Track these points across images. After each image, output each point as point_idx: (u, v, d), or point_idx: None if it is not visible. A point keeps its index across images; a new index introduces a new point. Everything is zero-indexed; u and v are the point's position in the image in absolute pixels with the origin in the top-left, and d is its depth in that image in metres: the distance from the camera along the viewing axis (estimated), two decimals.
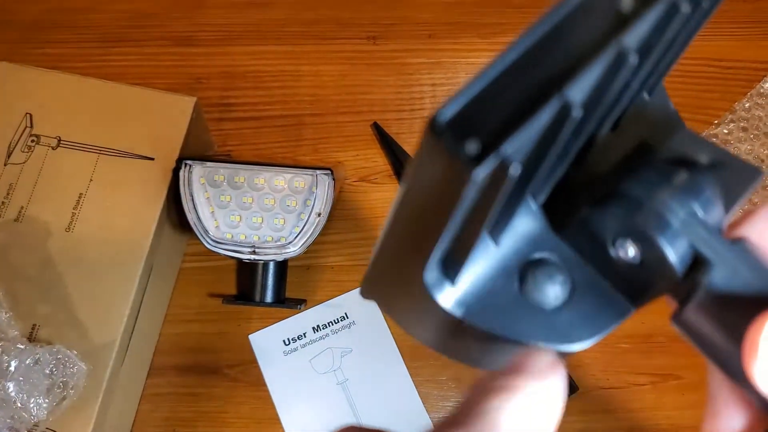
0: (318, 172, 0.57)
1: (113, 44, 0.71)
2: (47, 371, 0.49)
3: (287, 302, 0.60)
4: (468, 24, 0.72)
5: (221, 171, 0.57)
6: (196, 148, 0.61)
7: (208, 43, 0.71)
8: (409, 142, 0.67)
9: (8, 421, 0.48)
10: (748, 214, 0.19)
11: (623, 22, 0.14)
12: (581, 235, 0.20)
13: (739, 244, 0.18)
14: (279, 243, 0.58)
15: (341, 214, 0.65)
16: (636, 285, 0.19)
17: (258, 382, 0.60)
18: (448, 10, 0.73)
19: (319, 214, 0.57)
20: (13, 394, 0.48)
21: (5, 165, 0.57)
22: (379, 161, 0.67)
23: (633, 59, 0.14)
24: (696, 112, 0.68)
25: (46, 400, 0.48)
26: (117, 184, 0.56)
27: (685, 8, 0.15)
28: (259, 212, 0.58)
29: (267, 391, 0.59)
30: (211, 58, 0.70)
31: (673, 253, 0.18)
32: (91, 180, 0.56)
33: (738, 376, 0.18)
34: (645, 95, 0.22)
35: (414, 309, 0.21)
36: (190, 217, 0.57)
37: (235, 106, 0.69)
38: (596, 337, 0.19)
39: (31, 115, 0.58)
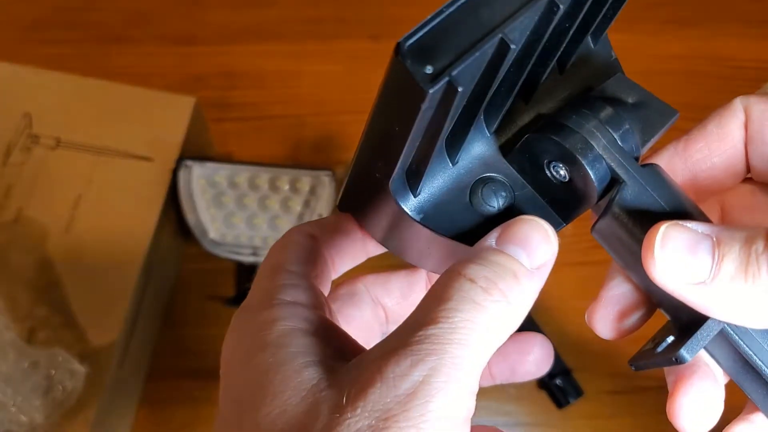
0: (320, 172, 0.57)
1: (112, 44, 0.71)
2: (45, 374, 0.49)
3: None
4: None
5: (221, 172, 0.57)
6: (196, 149, 0.61)
7: (208, 42, 0.71)
8: None
9: (6, 424, 0.47)
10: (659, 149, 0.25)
11: None
12: (524, 160, 0.24)
13: (650, 168, 0.23)
14: None
15: None
16: (566, 202, 0.24)
17: None
18: None
19: (321, 215, 0.57)
20: (10, 397, 0.47)
21: (4, 166, 0.57)
22: None
23: (560, 7, 0.18)
24: (703, 111, 0.67)
25: (44, 404, 0.48)
26: (116, 185, 0.56)
27: None
28: (259, 213, 0.57)
29: None
30: (211, 57, 0.70)
31: (594, 173, 0.22)
32: (89, 181, 0.56)
33: (642, 277, 0.22)
34: (591, 44, 0.25)
35: (381, 216, 0.25)
36: (190, 218, 0.57)
37: (235, 105, 0.68)
38: None
39: (30, 116, 0.58)
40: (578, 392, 0.57)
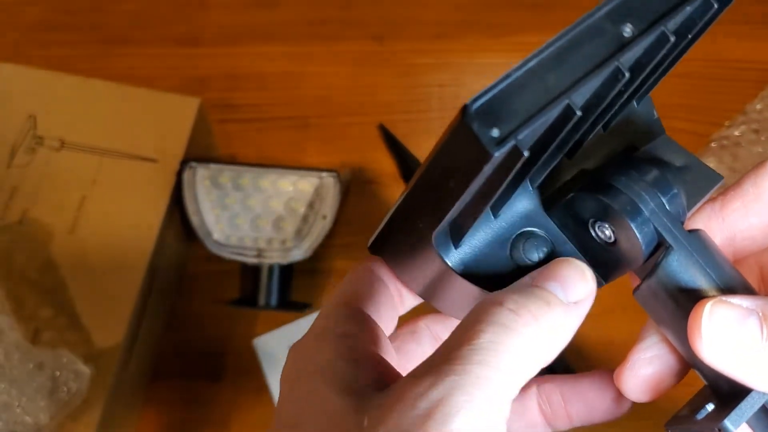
0: (324, 174, 0.57)
1: (116, 45, 0.71)
2: (50, 375, 0.49)
3: (292, 306, 0.60)
4: (475, 24, 0.72)
5: (225, 173, 0.57)
6: (200, 150, 0.61)
7: (212, 44, 0.71)
8: (416, 143, 0.66)
9: (10, 425, 0.47)
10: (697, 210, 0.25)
11: (623, 45, 0.18)
12: (567, 216, 0.24)
13: (695, 234, 0.23)
14: (284, 246, 0.57)
15: (347, 217, 0.64)
16: (608, 262, 0.24)
17: (262, 387, 0.59)
18: (455, 10, 0.72)
19: (325, 217, 0.57)
20: (15, 398, 0.47)
21: (8, 167, 0.57)
22: (386, 163, 0.66)
23: (626, 75, 0.19)
24: (707, 113, 0.67)
25: (49, 405, 0.48)
26: (120, 187, 0.56)
27: (672, 38, 0.20)
28: (263, 215, 0.57)
29: (271, 396, 0.59)
30: (214, 59, 0.70)
31: (642, 237, 0.22)
32: (94, 182, 0.56)
33: (684, 345, 0.22)
34: (635, 104, 0.26)
35: (418, 265, 0.25)
36: (194, 219, 0.57)
37: (239, 107, 0.68)
38: None
39: (34, 117, 0.58)
40: None
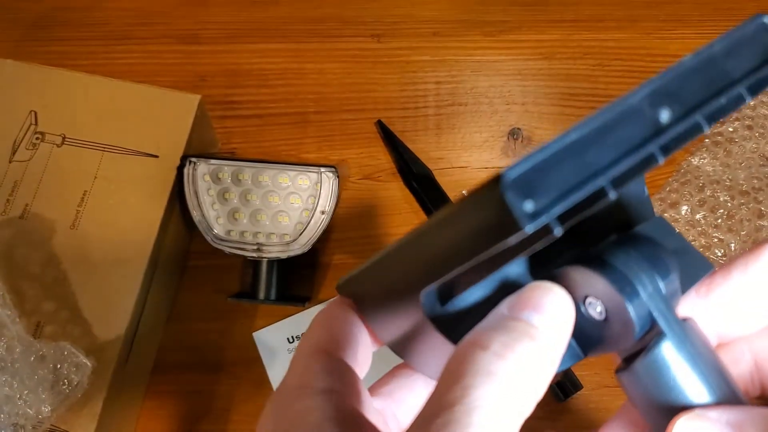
0: (322, 169, 0.57)
1: (118, 42, 0.71)
2: (51, 368, 0.49)
3: (291, 300, 0.60)
4: (472, 22, 0.72)
5: (225, 168, 0.58)
6: (201, 146, 0.61)
7: (213, 41, 0.71)
8: (413, 140, 0.67)
9: (13, 417, 0.48)
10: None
11: (659, 131, 0.18)
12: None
13: (687, 323, 0.22)
14: (283, 241, 0.58)
15: (345, 212, 0.65)
16: (591, 339, 0.23)
17: (262, 380, 0.60)
18: (453, 8, 0.73)
19: (324, 212, 0.57)
20: (17, 390, 0.48)
21: (10, 162, 0.57)
22: (383, 159, 0.67)
23: (660, 160, 0.18)
24: None
25: (51, 397, 0.48)
26: (121, 182, 0.56)
27: (706, 128, 0.19)
28: (263, 210, 0.58)
29: (271, 388, 0.59)
30: (215, 55, 0.70)
31: (637, 320, 0.21)
32: (95, 177, 0.56)
33: (660, 429, 0.22)
34: None
35: (396, 318, 0.24)
36: (195, 214, 0.57)
37: (239, 103, 0.69)
38: None
39: (35, 113, 0.58)
40: (577, 386, 0.58)
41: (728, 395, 0.22)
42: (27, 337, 0.50)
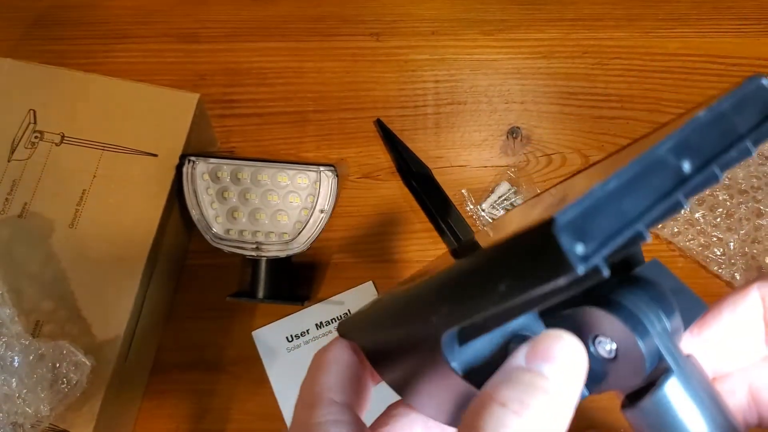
0: (321, 168, 0.57)
1: (117, 41, 0.71)
2: (50, 367, 0.49)
3: (290, 299, 0.60)
4: (471, 21, 0.72)
5: (224, 167, 0.58)
6: (200, 145, 0.61)
7: (212, 40, 0.71)
8: (412, 138, 0.67)
9: (12, 416, 0.48)
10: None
11: (683, 180, 0.19)
12: (565, 326, 0.23)
13: (690, 360, 0.23)
14: (282, 240, 0.58)
15: (344, 211, 0.65)
16: (598, 377, 0.24)
17: (261, 379, 0.60)
18: (451, 7, 0.73)
19: (323, 211, 0.57)
20: (16, 389, 0.48)
21: (9, 161, 0.57)
22: (382, 158, 0.67)
23: (685, 206, 0.20)
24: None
25: (50, 396, 0.48)
26: (120, 181, 0.56)
27: (720, 176, 0.20)
28: (262, 209, 0.58)
29: (270, 387, 0.59)
30: (214, 54, 0.70)
31: (647, 356, 0.22)
32: (94, 176, 0.56)
33: None
34: None
35: (407, 359, 0.25)
36: (194, 213, 0.57)
37: (238, 102, 0.69)
38: None
39: (34, 112, 0.58)
40: None
41: (727, 428, 0.23)
42: (26, 336, 0.49)
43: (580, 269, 0.17)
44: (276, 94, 0.69)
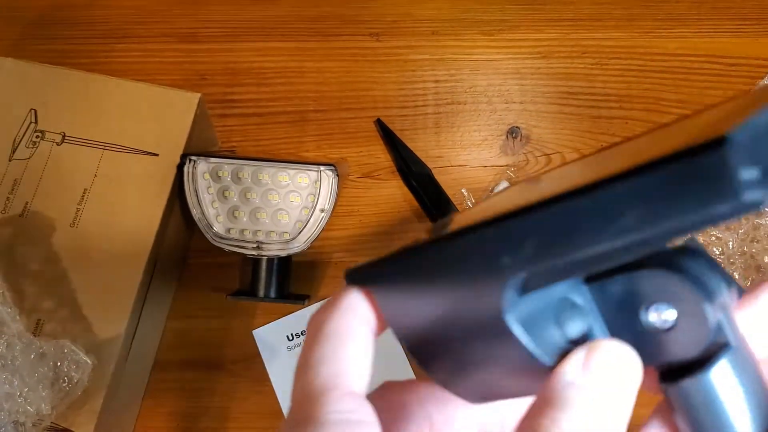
0: (322, 168, 0.57)
1: (117, 40, 0.71)
2: (52, 365, 0.49)
3: (291, 298, 0.60)
4: (471, 21, 0.72)
5: (225, 167, 0.58)
6: (200, 144, 0.61)
7: (212, 40, 0.71)
8: (412, 138, 0.67)
9: (13, 415, 0.48)
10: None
11: None
12: (606, 293, 0.22)
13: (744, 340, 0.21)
14: (283, 239, 0.58)
15: (345, 210, 0.65)
16: (640, 350, 0.21)
17: (262, 378, 0.60)
18: (451, 7, 0.73)
19: (323, 210, 0.57)
20: (17, 388, 0.48)
21: (10, 160, 0.57)
22: (382, 157, 0.67)
23: None
24: (699, 108, 0.68)
25: (51, 395, 0.48)
26: (121, 180, 0.56)
27: None
28: (263, 208, 0.58)
29: (270, 386, 0.60)
30: (214, 54, 0.70)
31: (711, 324, 0.20)
32: (95, 175, 0.56)
33: None
34: None
35: (446, 314, 0.21)
36: (195, 212, 0.57)
37: (238, 102, 0.69)
38: None
39: (35, 111, 0.58)
40: None
41: None
42: (27, 334, 0.50)
43: (748, 197, 0.15)
44: (276, 93, 0.69)
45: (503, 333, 0.20)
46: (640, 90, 0.68)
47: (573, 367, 0.20)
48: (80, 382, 0.49)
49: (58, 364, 0.49)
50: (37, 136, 0.58)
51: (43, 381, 0.49)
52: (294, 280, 0.62)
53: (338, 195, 0.58)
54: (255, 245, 0.58)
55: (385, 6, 0.72)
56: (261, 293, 0.59)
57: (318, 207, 0.57)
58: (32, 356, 0.49)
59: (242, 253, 0.58)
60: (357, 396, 0.21)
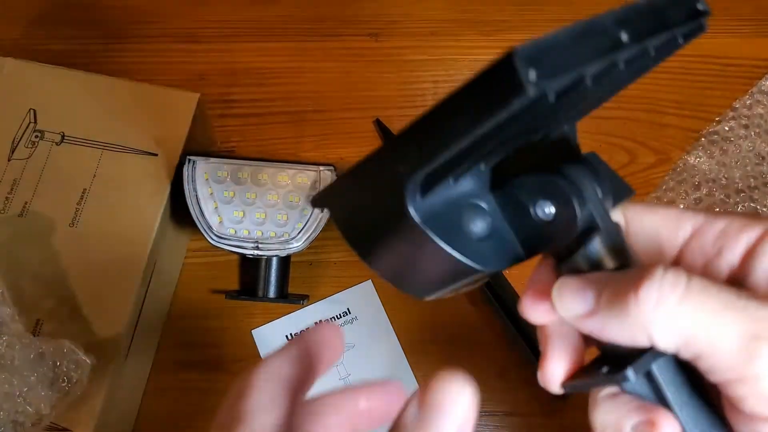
0: (321, 168, 0.57)
1: (117, 41, 0.71)
2: (51, 365, 0.49)
3: (290, 297, 0.61)
4: (469, 21, 0.72)
5: (224, 167, 0.58)
6: (200, 144, 0.61)
7: (211, 40, 0.71)
8: None
9: (12, 414, 0.48)
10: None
11: (620, 45, 0.22)
12: (508, 197, 0.28)
13: (618, 225, 0.27)
14: (282, 239, 0.58)
15: None
16: (535, 239, 0.27)
17: None
18: (450, 7, 0.73)
19: (322, 210, 0.57)
20: (17, 388, 0.48)
21: (9, 160, 0.57)
22: None
23: (621, 67, 0.23)
24: (697, 109, 0.68)
25: (50, 394, 0.48)
26: (121, 180, 0.56)
27: (653, 53, 0.25)
28: (262, 208, 0.58)
29: None
30: (213, 54, 0.70)
31: (580, 215, 0.26)
32: (94, 176, 0.56)
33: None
34: (565, 126, 0.30)
35: (374, 215, 0.27)
36: (194, 212, 0.57)
37: (237, 102, 0.69)
38: (496, 269, 0.27)
39: (35, 111, 0.58)
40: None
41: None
42: (26, 334, 0.50)
43: (531, 91, 0.19)
44: (275, 94, 0.69)
45: (414, 230, 0.25)
46: (638, 90, 0.68)
47: (412, 406, 0.24)
48: (79, 382, 0.49)
49: (58, 363, 0.50)
50: (36, 136, 0.58)
51: (43, 381, 0.49)
52: (293, 280, 0.62)
53: None
54: (254, 245, 0.58)
55: (384, 6, 0.73)
56: (260, 293, 0.59)
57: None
58: (31, 356, 0.49)
59: (241, 253, 0.58)
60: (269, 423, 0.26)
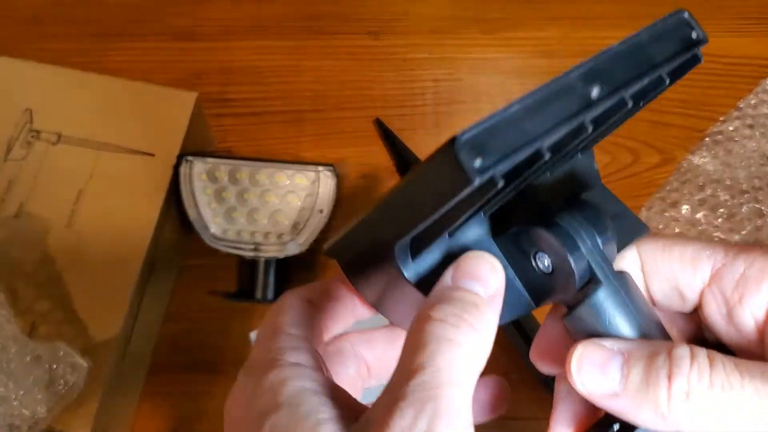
0: (320, 168, 0.57)
1: (113, 39, 0.71)
2: (47, 368, 0.49)
3: None
4: (469, 19, 0.72)
5: (222, 167, 0.57)
6: (197, 144, 0.61)
7: (208, 38, 0.71)
8: (412, 138, 0.67)
9: (8, 418, 0.47)
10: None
11: (590, 104, 0.21)
12: (512, 245, 0.27)
13: (622, 274, 0.26)
14: (281, 240, 0.58)
15: (343, 211, 0.64)
16: (542, 290, 0.27)
17: None
18: (450, 5, 0.73)
19: (321, 211, 0.57)
20: (12, 391, 0.48)
21: (5, 161, 0.57)
22: (381, 157, 0.66)
23: (589, 129, 0.22)
24: (701, 108, 0.68)
25: (46, 398, 0.48)
26: (117, 180, 0.56)
27: (630, 104, 0.23)
28: (260, 209, 0.58)
29: None
30: (210, 53, 0.70)
31: (578, 271, 0.25)
32: (91, 176, 0.56)
33: None
34: (579, 155, 0.29)
35: (375, 273, 0.27)
36: (191, 213, 0.57)
37: (235, 101, 0.68)
38: (505, 320, 0.26)
39: (31, 111, 0.58)
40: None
41: (652, 334, 0.25)
42: (22, 337, 0.49)
43: (477, 180, 0.19)
44: (273, 93, 0.69)
45: (407, 287, 0.26)
46: None
47: (447, 274, 0.25)
48: (76, 385, 0.49)
49: (54, 366, 0.49)
50: (32, 136, 0.58)
51: (39, 384, 0.48)
52: (292, 281, 0.61)
53: (337, 195, 0.58)
54: (252, 247, 0.57)
55: (384, 4, 0.72)
56: (258, 295, 0.59)
57: (316, 208, 0.57)
58: (27, 359, 0.49)
59: (239, 255, 0.58)
60: (295, 335, 0.28)
